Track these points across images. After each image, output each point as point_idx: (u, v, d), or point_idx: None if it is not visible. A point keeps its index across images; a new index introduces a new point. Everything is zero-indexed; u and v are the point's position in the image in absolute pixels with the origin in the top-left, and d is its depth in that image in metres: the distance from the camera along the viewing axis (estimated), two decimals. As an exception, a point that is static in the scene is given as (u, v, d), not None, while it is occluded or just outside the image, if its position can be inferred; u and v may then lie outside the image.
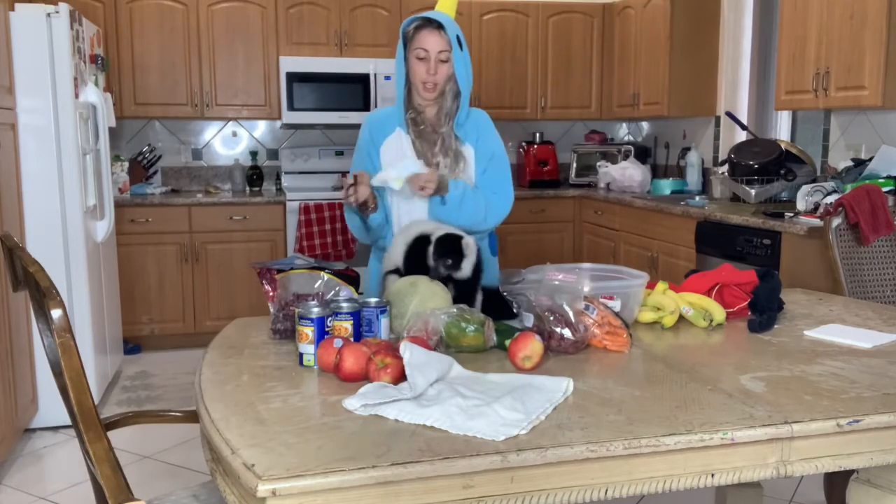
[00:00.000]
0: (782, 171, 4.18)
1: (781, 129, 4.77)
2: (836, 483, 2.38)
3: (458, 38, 2.28)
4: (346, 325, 1.70)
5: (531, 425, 1.31)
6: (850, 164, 3.88)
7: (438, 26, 2.26)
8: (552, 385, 1.49)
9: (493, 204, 2.38)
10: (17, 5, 3.54)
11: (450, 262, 1.98)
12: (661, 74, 5.07)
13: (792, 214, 3.64)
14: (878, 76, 3.41)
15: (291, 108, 5.20)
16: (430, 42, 2.26)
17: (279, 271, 1.90)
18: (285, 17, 5.24)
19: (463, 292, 2.00)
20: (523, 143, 5.90)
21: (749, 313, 2.06)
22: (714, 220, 4.00)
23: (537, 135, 5.92)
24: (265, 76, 5.26)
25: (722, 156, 4.97)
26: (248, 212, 5.02)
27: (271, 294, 1.90)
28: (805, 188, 3.74)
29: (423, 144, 2.37)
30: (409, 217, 2.32)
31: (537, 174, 5.78)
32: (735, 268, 2.16)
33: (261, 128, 5.67)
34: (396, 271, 2.07)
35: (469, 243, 2.01)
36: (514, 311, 1.91)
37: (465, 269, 1.99)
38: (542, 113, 5.79)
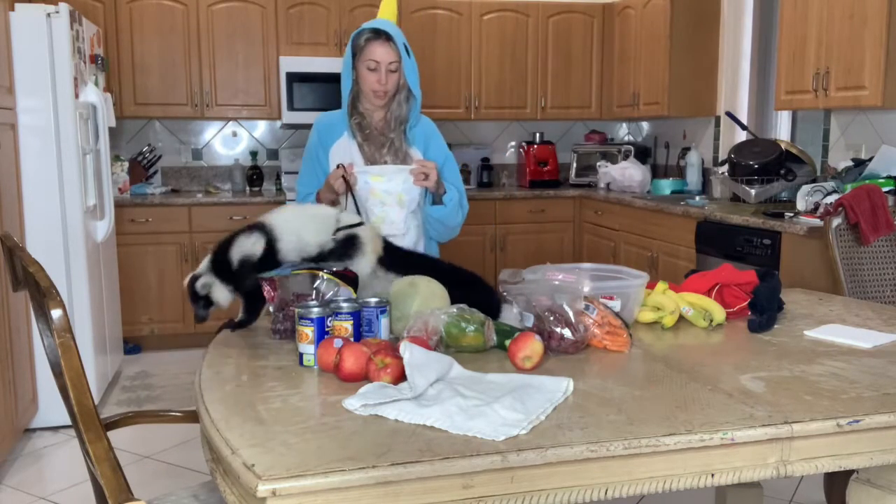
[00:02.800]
0: (782, 171, 4.17)
1: (781, 129, 4.77)
2: (836, 483, 2.38)
3: (405, 46, 2.38)
4: (346, 325, 1.70)
5: (531, 425, 1.31)
6: (850, 164, 3.88)
7: (388, 38, 2.35)
8: (552, 385, 1.49)
9: (463, 203, 2.53)
10: (17, 5, 3.54)
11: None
12: (661, 74, 5.07)
13: (792, 214, 3.63)
14: (878, 76, 3.41)
15: (291, 108, 5.20)
16: (380, 53, 2.36)
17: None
18: (285, 17, 5.23)
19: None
20: (523, 143, 5.90)
21: (749, 313, 2.05)
22: (714, 220, 4.00)
23: (537, 135, 5.91)
24: (265, 76, 5.26)
25: (722, 156, 4.96)
26: (248, 212, 5.01)
27: (271, 294, 1.90)
28: (805, 188, 3.73)
29: (370, 147, 2.46)
30: (384, 223, 2.36)
31: (537, 174, 5.78)
32: (735, 268, 2.16)
33: (261, 128, 5.67)
34: None
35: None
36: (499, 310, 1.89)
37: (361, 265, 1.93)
38: (542, 113, 5.79)
